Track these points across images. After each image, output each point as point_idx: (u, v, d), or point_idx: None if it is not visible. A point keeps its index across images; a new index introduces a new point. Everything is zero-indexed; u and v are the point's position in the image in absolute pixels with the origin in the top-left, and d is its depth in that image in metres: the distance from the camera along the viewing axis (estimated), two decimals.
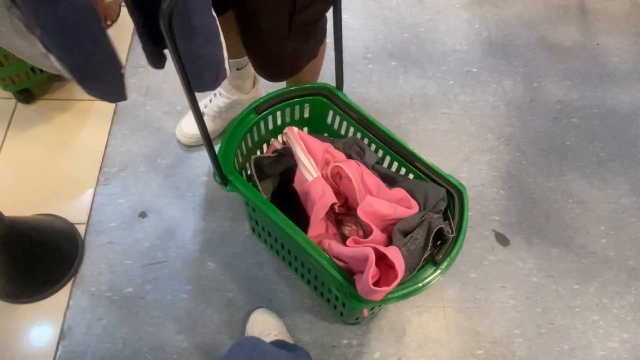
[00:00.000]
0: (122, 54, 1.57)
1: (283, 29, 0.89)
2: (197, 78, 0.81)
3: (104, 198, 1.31)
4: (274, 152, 1.04)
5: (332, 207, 0.99)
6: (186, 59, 0.71)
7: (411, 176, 1.01)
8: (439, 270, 0.85)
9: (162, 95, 1.50)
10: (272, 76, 1.03)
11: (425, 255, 0.85)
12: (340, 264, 0.85)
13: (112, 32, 1.60)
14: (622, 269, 1.32)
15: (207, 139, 0.85)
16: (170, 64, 0.71)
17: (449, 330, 1.19)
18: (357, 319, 1.15)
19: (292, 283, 1.22)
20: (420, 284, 0.83)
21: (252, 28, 0.91)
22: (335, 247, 0.86)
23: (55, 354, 1.10)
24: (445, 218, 0.91)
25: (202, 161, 1.38)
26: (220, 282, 1.21)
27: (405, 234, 0.87)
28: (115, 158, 1.37)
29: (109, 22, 1.64)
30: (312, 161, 0.95)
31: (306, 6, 0.87)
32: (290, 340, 1.11)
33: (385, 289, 0.75)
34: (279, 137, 1.09)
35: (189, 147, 1.40)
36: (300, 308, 1.19)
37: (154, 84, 1.51)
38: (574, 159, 1.50)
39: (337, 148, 1.01)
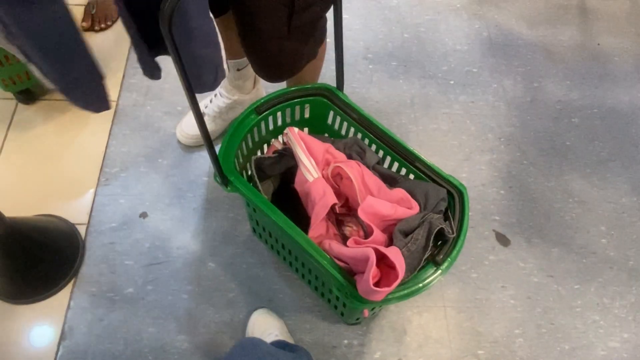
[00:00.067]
0: (122, 54, 1.58)
1: (282, 29, 0.89)
2: (197, 79, 0.81)
3: (104, 198, 1.31)
4: (274, 152, 1.04)
5: (332, 207, 0.99)
6: (185, 60, 0.71)
7: (412, 176, 1.01)
8: (439, 271, 0.85)
9: (163, 96, 1.49)
10: (271, 77, 1.03)
11: (426, 256, 0.85)
12: (341, 264, 0.85)
13: (112, 33, 1.62)
14: (622, 269, 1.32)
15: (207, 140, 0.85)
16: (170, 65, 0.71)
17: (449, 330, 1.19)
18: (357, 319, 1.15)
19: (293, 283, 1.22)
20: (421, 284, 0.83)
21: (252, 29, 0.91)
22: (336, 247, 0.86)
23: (56, 354, 1.11)
24: (446, 218, 0.91)
25: (202, 161, 1.38)
26: (220, 282, 1.21)
27: (406, 234, 0.87)
28: (116, 158, 1.37)
29: (109, 23, 1.63)
30: (312, 162, 0.95)
31: (305, 7, 0.87)
32: (290, 341, 1.11)
33: (385, 290, 0.75)
34: (280, 138, 1.09)
35: (190, 147, 1.40)
36: (300, 308, 1.19)
37: (154, 84, 1.51)
38: (574, 159, 1.50)
39: (337, 148, 1.01)
